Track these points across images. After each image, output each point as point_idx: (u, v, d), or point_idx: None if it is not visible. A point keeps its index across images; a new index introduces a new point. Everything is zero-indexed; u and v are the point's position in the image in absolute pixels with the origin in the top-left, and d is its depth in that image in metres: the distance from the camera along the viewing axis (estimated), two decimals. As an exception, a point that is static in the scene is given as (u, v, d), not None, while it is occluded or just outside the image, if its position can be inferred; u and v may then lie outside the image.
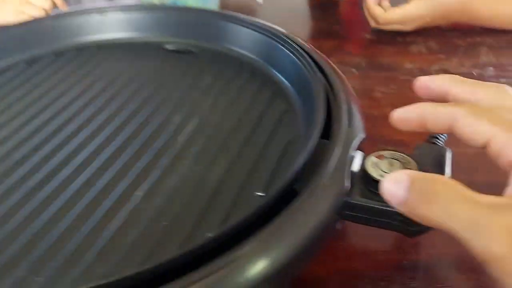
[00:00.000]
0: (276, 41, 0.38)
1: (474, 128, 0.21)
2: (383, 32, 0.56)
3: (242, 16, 0.41)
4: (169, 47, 0.43)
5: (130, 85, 0.38)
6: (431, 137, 0.34)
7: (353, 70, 0.49)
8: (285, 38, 0.37)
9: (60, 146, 0.31)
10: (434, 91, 0.26)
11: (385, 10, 0.55)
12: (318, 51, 0.36)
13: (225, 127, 0.32)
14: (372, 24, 0.57)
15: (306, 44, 0.36)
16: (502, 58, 0.50)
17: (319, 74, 0.32)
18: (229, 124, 0.33)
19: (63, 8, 0.60)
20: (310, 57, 0.35)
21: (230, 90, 0.37)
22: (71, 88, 0.37)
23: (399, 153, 0.27)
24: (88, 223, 0.25)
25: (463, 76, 0.46)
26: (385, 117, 0.42)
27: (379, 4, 0.56)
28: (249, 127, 0.32)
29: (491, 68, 0.48)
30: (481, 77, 0.47)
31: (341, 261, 0.29)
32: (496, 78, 0.46)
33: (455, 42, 0.54)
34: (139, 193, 0.27)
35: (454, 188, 0.19)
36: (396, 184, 0.20)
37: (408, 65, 0.49)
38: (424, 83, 0.26)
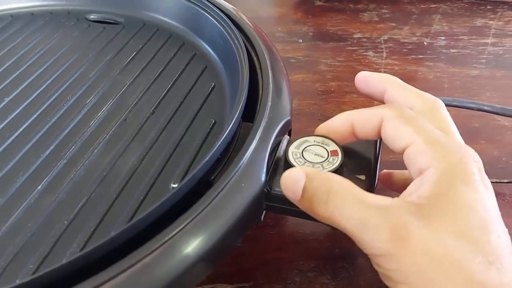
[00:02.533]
0: (203, 8, 0.34)
1: (398, 132, 0.21)
2: (335, -2, 0.53)
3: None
4: (93, 17, 0.39)
5: (46, 59, 0.34)
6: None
7: (300, 40, 0.46)
8: (212, 5, 0.34)
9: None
10: (372, 86, 0.25)
11: None
12: (249, 21, 0.33)
13: (143, 109, 0.29)
14: None
15: (236, 13, 0.33)
16: (454, 26, 0.48)
17: (244, 47, 0.29)
18: (148, 105, 0.30)
19: None
20: (239, 28, 0.32)
21: (154, 66, 0.33)
22: None
23: (328, 140, 0.24)
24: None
25: (414, 46, 0.45)
26: (328, 92, 0.40)
27: None
28: (171, 108, 0.29)
29: (442, 37, 0.46)
30: (431, 47, 0.45)
31: (269, 252, 0.28)
32: (446, 48, 0.44)
33: (409, 8, 0.51)
34: (40, 185, 0.24)
35: (347, 188, 0.19)
36: (294, 182, 0.20)
37: (357, 35, 0.47)
38: (364, 76, 0.26)
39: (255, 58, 0.30)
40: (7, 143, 0.27)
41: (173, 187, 0.24)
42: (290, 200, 0.21)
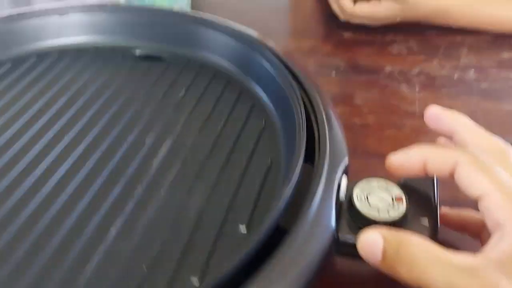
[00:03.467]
0: (252, 49, 0.35)
1: (473, 180, 0.21)
2: (362, 30, 0.54)
3: (216, 19, 0.39)
4: (138, 52, 0.40)
5: (97, 99, 0.35)
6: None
7: (333, 73, 0.47)
8: (261, 46, 0.35)
9: (19, 179, 0.28)
10: (443, 124, 0.26)
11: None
12: (296, 63, 0.34)
13: (201, 148, 0.30)
14: (340, 16, 0.55)
15: (283, 55, 0.34)
16: (482, 59, 0.49)
17: (297, 89, 0.30)
18: (205, 145, 0.30)
19: None
20: (288, 68, 0.33)
21: (205, 104, 0.34)
22: (31, 103, 0.34)
23: (387, 182, 0.25)
24: (59, 269, 0.22)
25: (444, 79, 0.45)
26: (367, 126, 0.41)
27: None
28: (227, 148, 0.30)
29: (472, 71, 0.47)
30: (462, 81, 0.46)
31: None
32: (477, 82, 0.45)
33: (435, 41, 0.52)
34: (114, 229, 0.25)
35: (428, 250, 0.20)
36: (371, 246, 0.21)
37: (388, 68, 0.48)
38: (435, 113, 0.27)
39: (305, 97, 0.31)
40: (72, 188, 0.27)
41: (242, 231, 0.25)
42: (369, 263, 0.21)
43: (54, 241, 0.24)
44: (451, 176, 0.23)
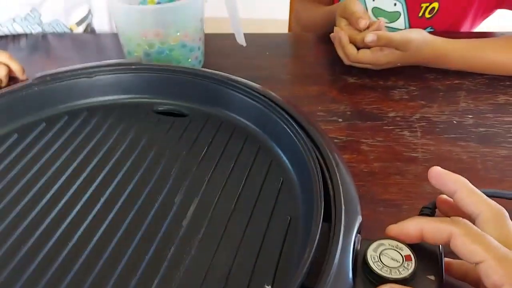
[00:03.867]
0: (269, 109, 0.38)
1: (469, 250, 0.25)
2: (365, 75, 0.58)
3: (234, 78, 0.42)
4: (161, 109, 0.43)
5: (127, 158, 0.38)
6: (423, 208, 0.36)
7: (340, 120, 0.50)
8: (277, 106, 0.38)
9: (60, 242, 0.31)
10: (445, 185, 0.30)
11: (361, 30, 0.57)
12: (311, 120, 0.37)
13: (225, 206, 0.33)
14: (345, 61, 0.58)
15: (299, 114, 0.37)
16: (480, 103, 0.52)
17: (313, 150, 0.33)
18: (228, 202, 0.33)
19: (22, 77, 0.57)
20: (303, 128, 0.36)
21: (226, 160, 0.37)
22: (67, 163, 0.37)
23: (401, 244, 0.28)
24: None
25: (445, 125, 0.49)
26: (373, 174, 0.44)
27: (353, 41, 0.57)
28: (249, 205, 0.33)
29: (470, 116, 0.50)
30: (461, 126, 0.49)
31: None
32: (475, 127, 0.49)
33: (434, 85, 0.56)
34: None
35: None
36: None
37: (391, 113, 0.51)
38: (438, 173, 0.30)
39: (319, 156, 0.34)
40: (109, 251, 0.30)
41: (268, 288, 0.28)
42: None
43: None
44: (446, 244, 0.26)
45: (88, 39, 0.72)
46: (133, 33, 0.52)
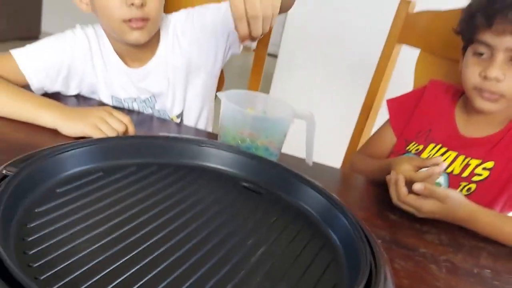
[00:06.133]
0: (335, 207, 0.49)
1: None
2: (405, 217, 0.68)
3: (307, 178, 0.54)
4: (245, 184, 0.55)
5: (210, 209, 0.49)
6: None
7: (379, 241, 0.60)
8: (343, 206, 0.49)
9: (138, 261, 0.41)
10: None
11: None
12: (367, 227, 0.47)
13: (285, 259, 0.43)
14: (394, 199, 0.69)
15: (359, 219, 0.48)
16: (498, 265, 0.60)
17: (367, 248, 0.43)
18: (288, 257, 0.43)
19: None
20: (362, 229, 0.46)
21: (289, 231, 0.47)
22: (164, 200, 0.49)
23: None
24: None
25: (466, 271, 0.57)
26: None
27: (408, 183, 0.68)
28: (302, 266, 0.42)
29: (488, 271, 0.58)
30: (479, 275, 0.57)
31: None
32: (491, 280, 0.56)
33: (462, 241, 0.65)
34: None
35: None
36: None
37: (422, 249, 0.60)
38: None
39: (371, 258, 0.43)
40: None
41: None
42: None
43: None
44: None
45: (184, 128, 0.89)
46: (233, 127, 0.67)
